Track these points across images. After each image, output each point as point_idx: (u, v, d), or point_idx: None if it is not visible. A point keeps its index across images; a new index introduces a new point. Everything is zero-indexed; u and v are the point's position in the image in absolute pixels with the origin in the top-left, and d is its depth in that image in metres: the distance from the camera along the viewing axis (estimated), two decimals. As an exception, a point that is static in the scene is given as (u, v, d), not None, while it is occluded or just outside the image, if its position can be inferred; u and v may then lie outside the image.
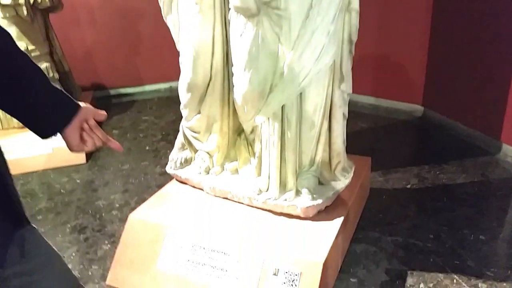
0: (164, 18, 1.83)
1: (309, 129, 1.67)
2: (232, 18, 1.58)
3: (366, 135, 3.15)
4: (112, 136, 3.27)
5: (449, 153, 2.83)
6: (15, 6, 2.87)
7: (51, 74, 3.13)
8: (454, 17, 3.04)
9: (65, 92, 0.97)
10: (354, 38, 1.63)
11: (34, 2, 2.97)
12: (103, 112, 1.04)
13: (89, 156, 3.02)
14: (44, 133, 0.94)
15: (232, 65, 1.67)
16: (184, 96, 1.84)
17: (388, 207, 2.26)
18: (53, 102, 0.93)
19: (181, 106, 1.90)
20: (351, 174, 1.88)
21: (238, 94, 1.65)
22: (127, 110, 3.98)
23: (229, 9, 1.59)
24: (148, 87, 4.44)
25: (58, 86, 1.00)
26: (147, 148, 3.15)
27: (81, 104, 0.98)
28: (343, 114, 1.75)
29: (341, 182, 1.83)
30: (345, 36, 1.62)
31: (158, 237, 1.75)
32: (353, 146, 2.02)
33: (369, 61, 3.47)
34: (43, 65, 3.06)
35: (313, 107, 1.63)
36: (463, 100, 3.05)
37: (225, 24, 1.70)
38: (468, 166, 2.65)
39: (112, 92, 4.44)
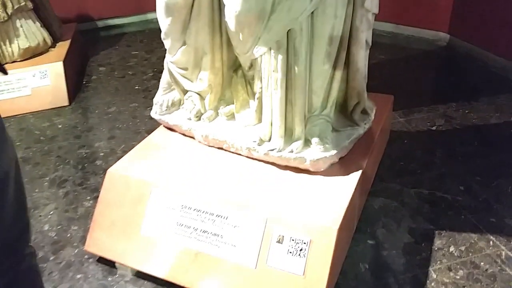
0: None
1: (322, 61, 1.32)
2: None
3: (384, 68, 2.77)
4: (98, 74, 2.93)
5: (479, 88, 2.46)
6: None
7: (22, 3, 2.71)
8: None
9: None
10: None
11: None
12: None
13: (72, 97, 2.70)
14: None
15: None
16: (163, 22, 1.47)
17: (411, 153, 1.95)
18: None
19: (162, 35, 1.54)
20: (372, 118, 1.55)
21: (231, 16, 1.28)
22: (115, 44, 3.58)
23: None
24: (139, 17, 4.01)
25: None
26: (137, 87, 2.81)
27: None
28: (366, 41, 1.38)
29: (360, 128, 1.50)
30: None
31: (142, 196, 1.47)
32: (369, 82, 1.67)
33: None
34: (12, -8, 2.64)
35: (328, 32, 1.26)
36: (495, 26, 2.63)
37: None
38: (501, 103, 2.30)
39: (100, 24, 4.01)
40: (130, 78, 2.94)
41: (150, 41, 3.54)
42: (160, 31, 1.51)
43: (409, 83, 2.61)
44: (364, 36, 1.35)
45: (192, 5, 1.40)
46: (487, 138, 2.03)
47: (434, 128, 2.12)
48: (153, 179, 1.48)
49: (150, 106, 2.48)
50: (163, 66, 1.69)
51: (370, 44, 1.42)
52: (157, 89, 1.79)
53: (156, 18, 1.50)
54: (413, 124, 2.16)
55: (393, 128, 2.08)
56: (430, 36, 3.08)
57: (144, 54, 3.32)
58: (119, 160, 1.60)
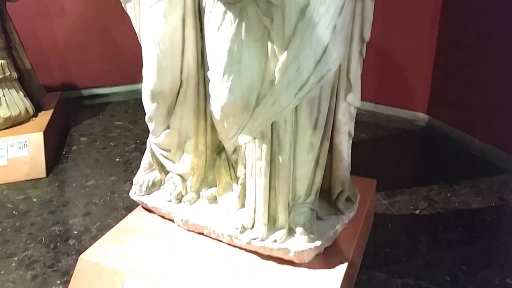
0: (123, 5, 1.46)
1: (306, 151, 1.31)
2: (207, 5, 1.22)
3: (366, 147, 2.80)
4: (79, 144, 2.88)
5: (459, 171, 2.49)
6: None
7: (7, 73, 2.71)
8: (463, 17, 2.71)
9: None
10: (367, 35, 1.28)
11: (-15, -11, 2.57)
12: None
13: (50, 169, 2.62)
14: None
15: (208, 69, 1.31)
16: (148, 106, 1.47)
17: (396, 239, 1.91)
18: None
19: (146, 118, 1.53)
20: (356, 206, 1.53)
21: (216, 106, 1.28)
22: (99, 113, 3.57)
23: (205, -4, 1.22)
24: (125, 88, 4.04)
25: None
26: (118, 159, 2.76)
27: None
28: (349, 132, 1.39)
29: (345, 217, 1.47)
30: (356, 33, 1.26)
31: (115, 286, 1.37)
32: (351, 161, 1.66)
33: (368, 62, 3.10)
34: (-2, 62, 2.65)
35: (312, 124, 1.27)
36: (473, 109, 2.72)
37: (199, 13, 1.32)
38: (482, 187, 2.31)
39: (85, 92, 4.02)
40: (112, 150, 2.90)
41: (135, 111, 3.55)
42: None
43: (391, 163, 2.63)
44: (347, 127, 1.37)
45: (178, 92, 1.41)
46: (470, 223, 2.02)
47: (417, 211, 2.11)
48: (128, 268, 1.39)
49: (129, 180, 2.45)
50: (146, 137, 1.66)
51: (353, 135, 1.43)
52: (138, 162, 1.75)
53: (141, 89, 1.49)
54: (396, 207, 2.14)
55: (376, 210, 2.05)
56: (409, 116, 3.17)
57: (128, 124, 3.32)
58: (92, 246, 1.51)
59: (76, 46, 3.85)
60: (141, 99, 1.51)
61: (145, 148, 1.71)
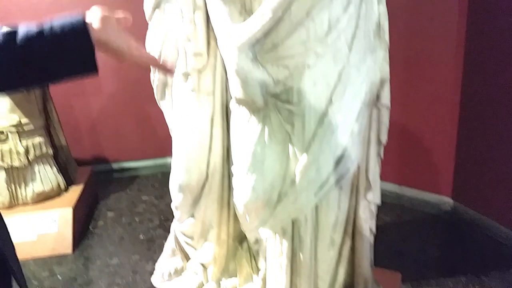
0: (157, 103, 1.58)
1: (327, 248, 1.33)
2: (234, 109, 1.31)
3: (390, 232, 2.75)
4: (105, 219, 2.95)
5: (488, 261, 2.40)
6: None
7: (44, 150, 2.88)
8: (486, 97, 2.74)
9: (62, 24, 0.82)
10: (384, 138, 1.33)
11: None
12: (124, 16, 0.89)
13: (76, 244, 2.68)
14: (83, 72, 0.85)
15: (233, 163, 1.38)
16: (175, 197, 1.53)
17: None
18: (63, 49, 0.81)
19: (172, 206, 1.59)
20: (379, 303, 1.50)
21: (239, 202, 1.33)
22: (127, 187, 3.68)
23: (231, 97, 1.32)
24: (153, 161, 4.18)
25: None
26: (141, 237, 2.80)
27: (86, 20, 0.83)
28: (370, 229, 1.41)
29: (367, 315, 1.44)
30: (372, 136, 1.32)
31: None
32: (375, 246, 1.63)
33: (391, 141, 3.13)
34: (37, 140, 2.82)
35: (332, 221, 1.30)
36: (500, 194, 2.67)
37: (226, 114, 1.42)
38: (513, 278, 2.22)
39: (115, 166, 4.18)
40: (136, 226, 2.95)
41: (161, 186, 3.64)
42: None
43: (415, 251, 2.57)
44: (368, 225, 1.38)
45: (204, 185, 1.47)
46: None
47: (445, 307, 2.03)
48: None
49: (152, 259, 2.46)
50: (170, 213, 1.71)
51: (374, 231, 1.44)
52: (161, 240, 1.79)
53: (169, 163, 1.57)
54: (422, 300, 2.07)
55: (402, 303, 1.99)
56: (434, 199, 3.12)
57: (154, 199, 3.39)
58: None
59: (109, 122, 4.07)
60: (168, 173, 1.58)
61: (169, 225, 1.75)
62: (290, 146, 1.23)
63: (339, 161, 1.22)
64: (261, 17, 1.09)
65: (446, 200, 3.07)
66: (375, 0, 1.16)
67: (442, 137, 3.05)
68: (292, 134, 1.22)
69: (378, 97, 1.27)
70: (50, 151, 2.95)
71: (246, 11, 1.15)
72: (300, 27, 1.09)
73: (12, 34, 0.80)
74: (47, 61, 0.82)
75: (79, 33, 0.81)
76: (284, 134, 1.23)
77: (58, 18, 0.84)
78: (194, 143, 1.40)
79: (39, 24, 0.83)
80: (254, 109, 1.22)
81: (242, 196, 1.30)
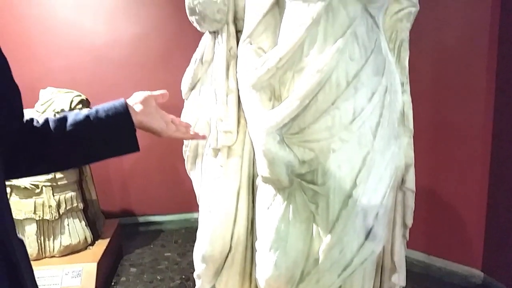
0: (187, 172, 1.63)
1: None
2: (260, 186, 1.35)
3: (418, 305, 2.66)
4: (128, 275, 2.96)
5: None
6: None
7: (75, 204, 2.96)
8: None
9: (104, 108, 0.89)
10: (409, 221, 1.33)
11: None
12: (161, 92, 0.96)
13: (98, 299, 2.69)
14: (126, 152, 0.93)
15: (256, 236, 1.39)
16: (198, 266, 1.55)
17: None
18: (106, 132, 0.88)
19: (195, 275, 1.60)
20: None
21: (261, 277, 1.33)
22: (151, 242, 3.71)
23: (257, 175, 1.36)
24: (177, 216, 4.22)
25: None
26: (162, 296, 2.80)
27: (129, 104, 0.90)
28: (395, 312, 1.38)
29: None
30: (398, 219, 1.32)
31: None
32: None
33: (419, 209, 3.07)
34: (69, 194, 2.92)
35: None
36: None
37: (253, 190, 1.46)
38: None
39: (141, 219, 4.24)
40: (157, 284, 2.95)
41: (184, 242, 3.65)
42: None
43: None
44: (393, 307, 1.36)
45: (227, 256, 1.49)
46: None
47: None
48: None
49: (171, 324, 2.44)
50: (191, 272, 1.71)
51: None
52: None
53: (194, 218, 1.60)
54: None
55: None
56: (463, 271, 3.01)
57: (176, 257, 3.39)
58: None
59: (139, 177, 4.18)
60: (191, 227, 1.60)
61: (189, 285, 1.74)
62: (314, 225, 1.25)
63: (363, 243, 1.23)
64: (289, 105, 1.15)
65: (476, 273, 2.95)
66: (399, 90, 1.21)
67: (472, 206, 2.99)
68: (316, 214, 1.24)
69: (403, 181, 1.28)
70: (81, 205, 3.03)
71: (275, 97, 1.21)
72: (325, 114, 1.14)
73: (62, 120, 0.88)
74: (94, 143, 0.88)
75: (121, 116, 0.88)
76: (308, 213, 1.25)
77: (103, 104, 0.92)
78: (220, 215, 1.43)
79: (86, 110, 0.91)
80: (279, 188, 1.25)
81: (264, 272, 1.31)
